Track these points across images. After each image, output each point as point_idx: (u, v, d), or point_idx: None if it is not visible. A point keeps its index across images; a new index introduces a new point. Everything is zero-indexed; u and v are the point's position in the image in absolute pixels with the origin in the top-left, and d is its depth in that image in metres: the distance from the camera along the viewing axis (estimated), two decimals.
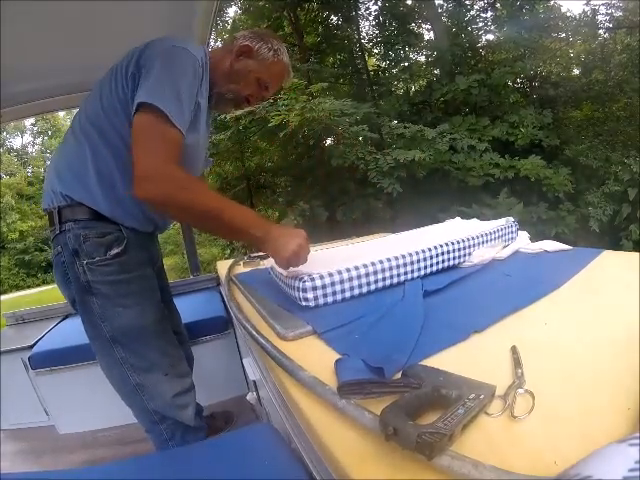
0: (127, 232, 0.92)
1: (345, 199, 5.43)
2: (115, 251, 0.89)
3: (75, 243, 0.87)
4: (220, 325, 1.64)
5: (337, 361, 0.54)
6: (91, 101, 0.90)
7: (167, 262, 8.76)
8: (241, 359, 1.41)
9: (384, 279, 0.87)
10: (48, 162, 19.00)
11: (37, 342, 1.57)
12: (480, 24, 6.88)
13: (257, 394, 1.04)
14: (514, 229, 1.17)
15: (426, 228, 1.30)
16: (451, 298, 0.80)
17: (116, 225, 0.90)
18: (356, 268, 0.83)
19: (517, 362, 0.50)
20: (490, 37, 6.90)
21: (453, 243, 0.99)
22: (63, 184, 0.89)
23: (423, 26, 7.61)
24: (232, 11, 7.69)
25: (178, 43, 0.83)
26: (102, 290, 0.88)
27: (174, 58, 0.81)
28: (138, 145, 0.75)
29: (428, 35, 7.55)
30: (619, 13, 6.11)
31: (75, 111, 0.99)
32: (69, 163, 0.90)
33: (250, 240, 0.80)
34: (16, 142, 19.40)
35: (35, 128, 19.47)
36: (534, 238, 1.23)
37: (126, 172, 0.86)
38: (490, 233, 1.09)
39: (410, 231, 1.30)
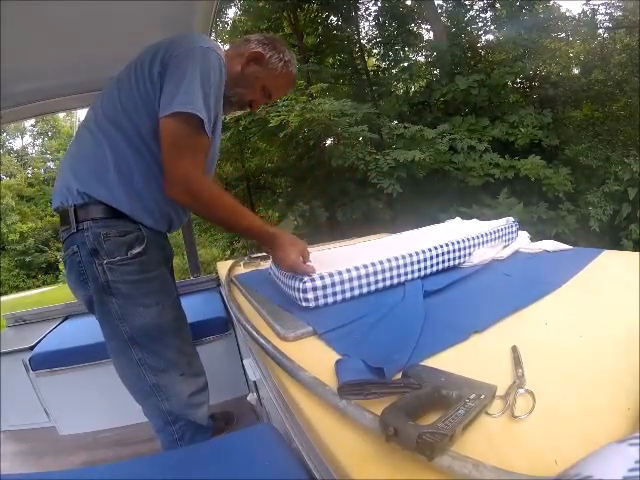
0: (146, 231, 0.91)
1: (345, 200, 5.43)
2: (137, 250, 0.88)
3: (94, 242, 0.85)
4: (220, 326, 1.64)
5: (337, 361, 0.54)
6: (107, 98, 0.90)
7: None
8: (241, 360, 1.41)
9: (384, 279, 0.87)
10: (48, 163, 19.07)
11: (37, 343, 1.57)
12: (480, 24, 6.89)
13: (257, 395, 1.05)
14: (514, 229, 1.17)
15: (426, 228, 1.30)
16: (451, 298, 0.81)
17: (135, 224, 0.90)
18: (356, 268, 0.83)
19: (517, 362, 0.50)
20: (490, 37, 6.92)
21: (453, 243, 0.99)
22: (80, 182, 0.87)
23: (423, 26, 7.62)
24: (232, 12, 7.69)
25: (203, 43, 0.84)
26: (122, 290, 0.87)
27: (204, 60, 0.81)
28: (173, 150, 0.80)
29: (428, 35, 7.56)
30: (618, 13, 6.10)
31: (75, 112, 0.99)
32: (86, 160, 0.89)
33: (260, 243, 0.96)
34: (16, 143, 19.45)
35: (35, 129, 19.51)
36: (534, 238, 1.23)
37: (144, 167, 0.88)
38: (490, 233, 1.09)
39: (410, 231, 1.30)
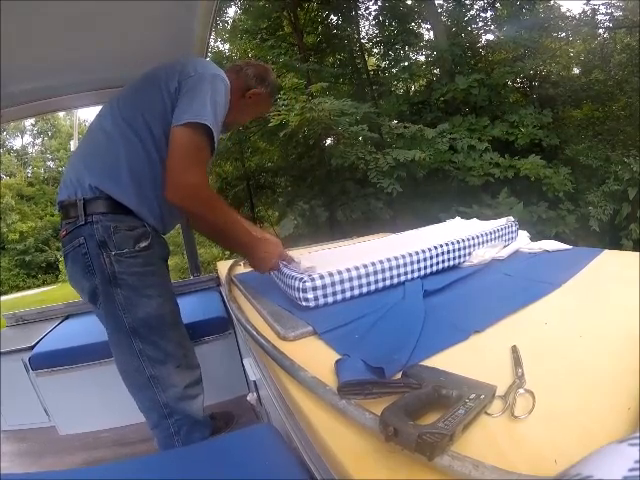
0: (150, 228, 0.96)
1: (345, 199, 5.42)
2: (143, 244, 0.93)
3: (103, 234, 0.89)
4: (220, 325, 1.64)
5: (337, 361, 0.54)
6: (127, 104, 0.96)
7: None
8: (241, 359, 1.40)
9: (384, 279, 0.87)
10: (48, 163, 19.05)
11: (37, 343, 1.57)
12: (480, 24, 6.88)
13: (257, 394, 1.04)
14: (514, 229, 1.17)
15: (426, 228, 1.30)
16: (451, 298, 0.81)
17: (141, 221, 0.95)
18: (356, 268, 0.83)
19: (517, 362, 0.50)
20: (490, 37, 6.91)
21: (453, 243, 0.99)
22: (93, 176, 0.91)
23: (423, 26, 7.58)
24: (232, 11, 7.68)
25: (217, 71, 0.94)
26: (128, 281, 0.91)
27: (215, 84, 0.91)
28: (182, 158, 0.85)
29: (428, 35, 7.53)
30: (619, 13, 6.09)
31: (75, 111, 1.00)
32: (101, 158, 0.94)
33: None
34: (16, 142, 19.43)
35: (35, 128, 19.49)
36: (534, 238, 1.23)
37: (155, 174, 0.94)
38: (490, 233, 1.09)
39: (410, 231, 1.30)
